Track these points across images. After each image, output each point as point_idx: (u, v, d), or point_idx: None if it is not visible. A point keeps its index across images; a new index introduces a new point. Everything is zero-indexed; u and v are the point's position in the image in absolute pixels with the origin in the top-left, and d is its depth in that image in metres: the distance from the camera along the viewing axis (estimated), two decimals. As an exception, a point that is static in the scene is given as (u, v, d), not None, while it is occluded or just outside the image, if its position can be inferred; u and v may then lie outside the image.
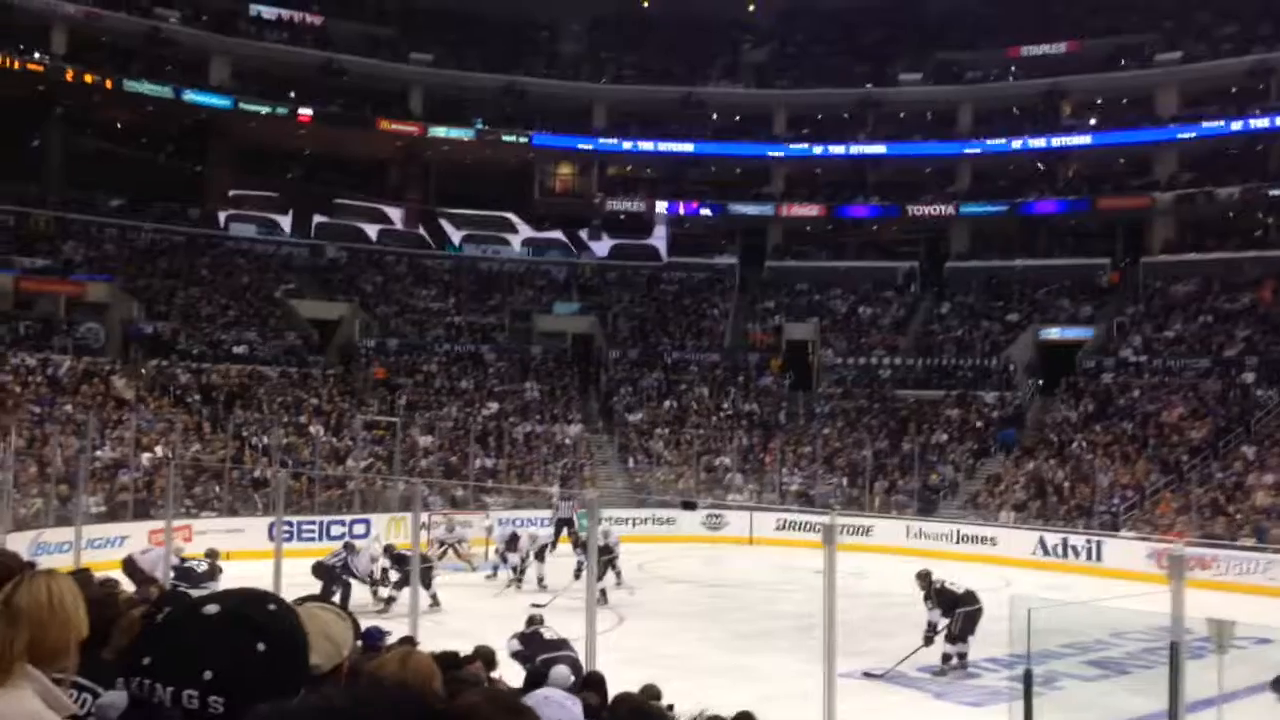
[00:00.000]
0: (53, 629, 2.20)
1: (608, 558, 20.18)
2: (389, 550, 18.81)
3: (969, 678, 14.37)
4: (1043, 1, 45.50)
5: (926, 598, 14.81)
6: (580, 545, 21.01)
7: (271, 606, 1.56)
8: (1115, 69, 40.96)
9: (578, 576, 19.37)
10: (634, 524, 27.86)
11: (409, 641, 7.49)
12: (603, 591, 20.26)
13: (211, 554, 16.94)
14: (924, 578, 15.06)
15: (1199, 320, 36.07)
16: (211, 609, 1.52)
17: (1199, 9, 42.05)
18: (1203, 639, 9.28)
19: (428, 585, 17.09)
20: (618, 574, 20.76)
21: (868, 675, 13.99)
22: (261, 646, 1.49)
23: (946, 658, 14.58)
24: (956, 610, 14.57)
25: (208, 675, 1.46)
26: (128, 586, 9.30)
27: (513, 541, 21.63)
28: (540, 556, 21.19)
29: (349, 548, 18.99)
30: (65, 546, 18.55)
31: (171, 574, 15.47)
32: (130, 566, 16.47)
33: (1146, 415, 31.91)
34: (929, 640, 14.57)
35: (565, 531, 25.70)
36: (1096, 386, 34.35)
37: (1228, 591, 20.20)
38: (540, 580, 20.53)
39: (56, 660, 2.22)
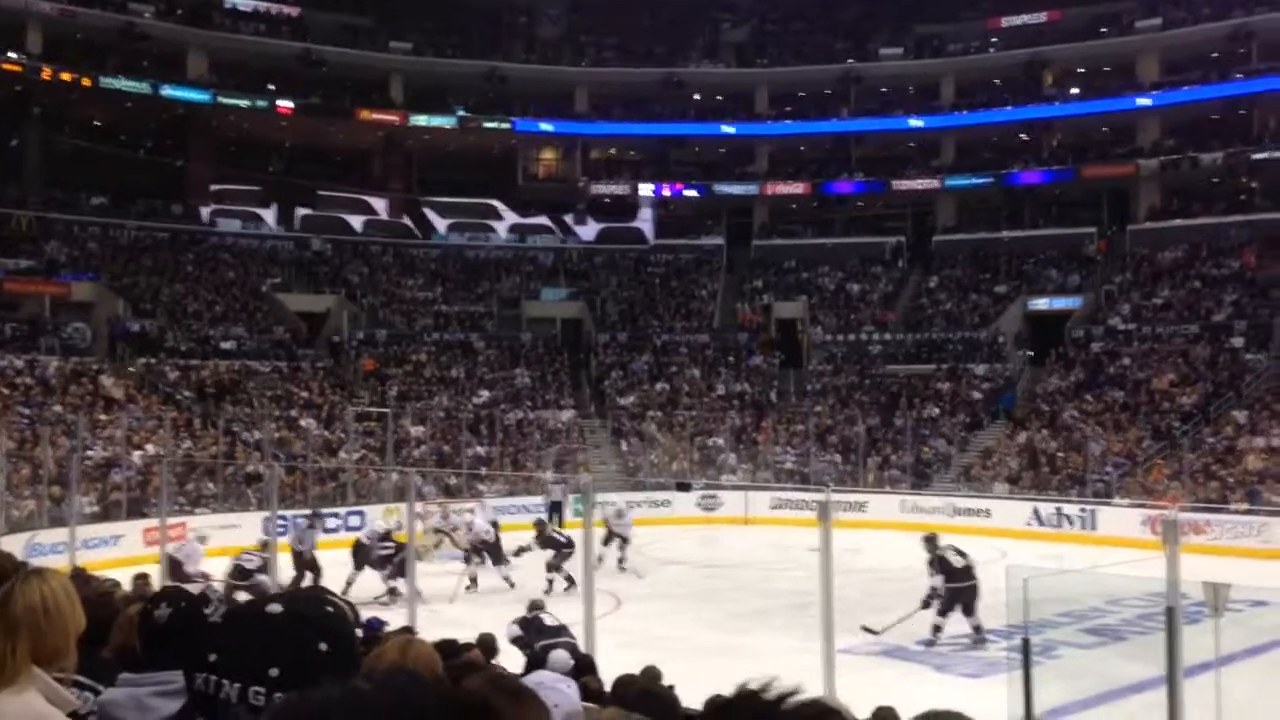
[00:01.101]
0: (51, 630, 2.20)
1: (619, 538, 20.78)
2: (385, 536, 18.53)
3: (970, 649, 14.44)
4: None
5: (930, 562, 14.85)
6: (551, 544, 19.26)
7: (329, 608, 1.62)
8: (1096, 37, 40.91)
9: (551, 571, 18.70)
10: (629, 507, 27.85)
11: (408, 631, 7.48)
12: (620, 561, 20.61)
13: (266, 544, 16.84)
14: (930, 541, 15.11)
15: (1186, 286, 36.15)
16: (275, 608, 1.57)
17: (1178, -25, 42.07)
18: (1198, 603, 9.32)
19: (401, 574, 16.71)
20: (621, 559, 20.74)
21: (865, 630, 14.10)
22: (323, 646, 1.54)
23: (936, 629, 14.64)
24: (947, 584, 14.61)
25: (274, 672, 1.50)
26: (129, 586, 9.26)
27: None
28: (494, 553, 19.27)
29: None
30: (60, 547, 18.51)
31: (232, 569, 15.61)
32: (173, 565, 16.49)
33: (1137, 383, 32.02)
34: (926, 604, 14.61)
35: (555, 518, 25.72)
36: (1086, 355, 34.44)
37: (1222, 555, 20.33)
38: (469, 580, 18.99)
39: (57, 659, 2.22)
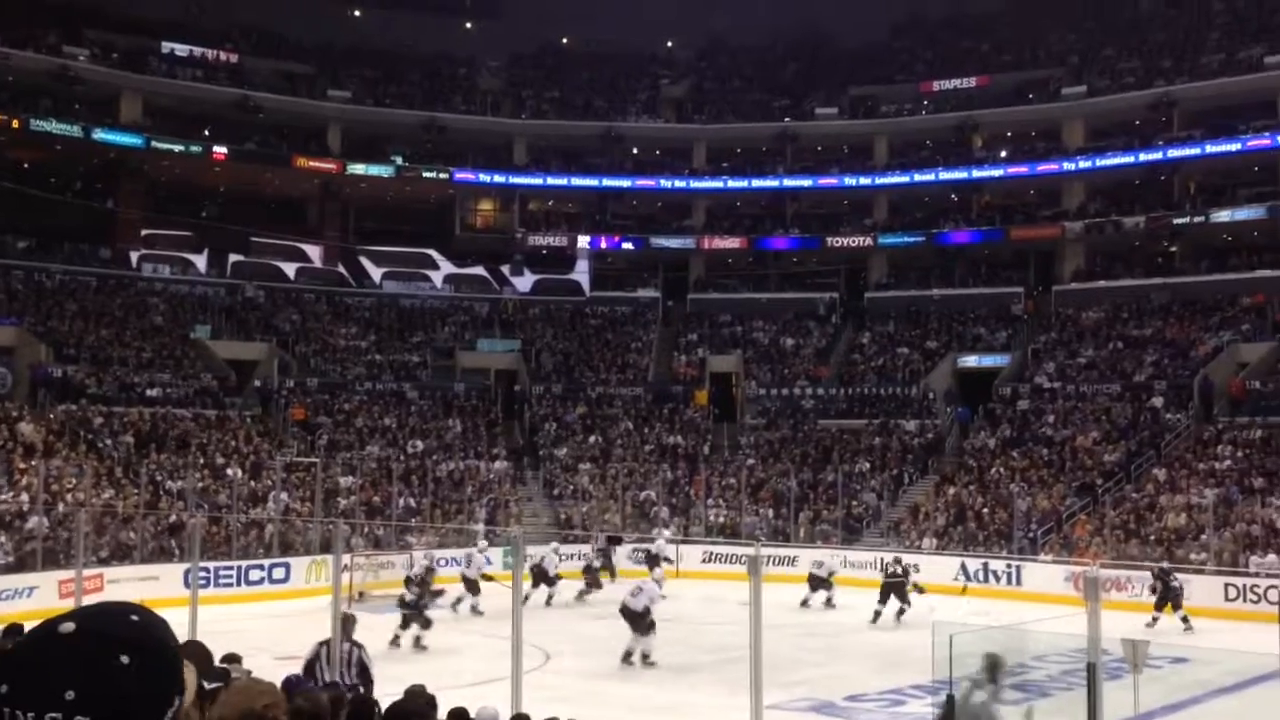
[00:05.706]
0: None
1: None
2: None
3: (895, 705, 14.46)
4: (952, 38, 46.72)
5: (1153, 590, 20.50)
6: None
7: (134, 618, 1.52)
8: (1023, 102, 42.05)
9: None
10: (561, 559, 27.64)
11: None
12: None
13: None
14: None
15: (1109, 346, 36.93)
16: (67, 627, 1.47)
17: (1103, 45, 43.43)
18: (1120, 659, 9.42)
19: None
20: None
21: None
22: (125, 659, 1.45)
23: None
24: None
25: (69, 695, 1.41)
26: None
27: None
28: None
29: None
30: (-30, 599, 17.93)
31: None
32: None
33: (1061, 440, 32.54)
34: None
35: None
36: (1013, 413, 34.96)
37: (1145, 612, 20.60)
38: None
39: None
